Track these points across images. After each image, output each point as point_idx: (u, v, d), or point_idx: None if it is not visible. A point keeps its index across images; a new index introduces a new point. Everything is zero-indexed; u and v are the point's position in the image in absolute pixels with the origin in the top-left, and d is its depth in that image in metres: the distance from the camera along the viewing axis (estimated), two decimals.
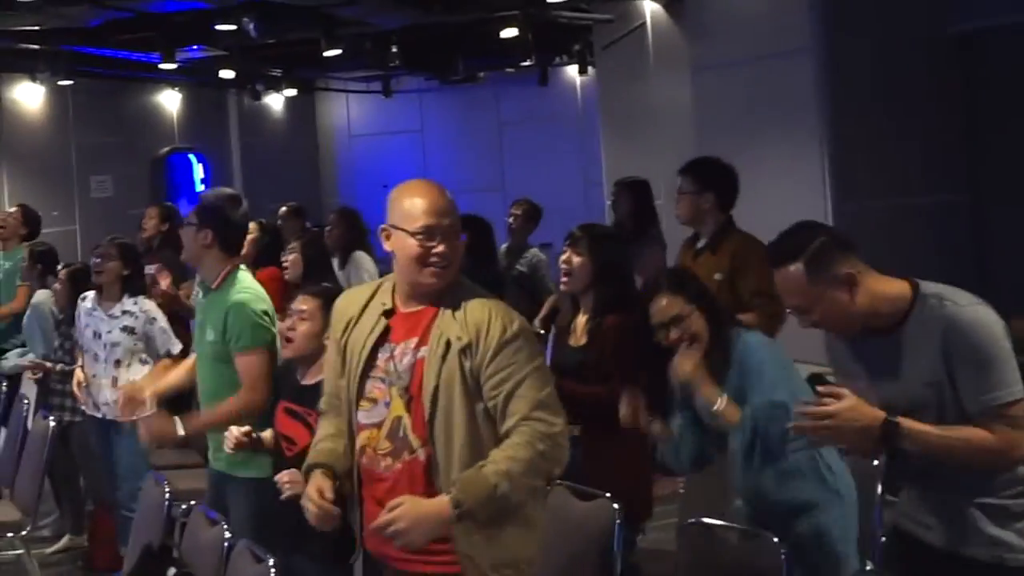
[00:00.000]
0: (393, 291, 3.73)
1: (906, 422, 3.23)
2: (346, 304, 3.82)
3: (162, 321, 6.83)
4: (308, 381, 4.72)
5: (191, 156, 16.57)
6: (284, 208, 10.28)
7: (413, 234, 3.57)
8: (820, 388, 3.33)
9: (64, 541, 7.58)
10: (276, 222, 9.69)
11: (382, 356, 3.63)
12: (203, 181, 16.42)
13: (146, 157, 15.62)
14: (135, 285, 6.91)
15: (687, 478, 5.31)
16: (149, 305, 6.87)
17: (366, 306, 3.74)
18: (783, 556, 3.85)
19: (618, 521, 4.27)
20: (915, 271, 3.49)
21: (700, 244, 6.03)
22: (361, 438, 3.64)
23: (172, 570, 4.34)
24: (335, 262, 8.49)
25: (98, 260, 6.86)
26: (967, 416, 3.25)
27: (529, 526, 3.65)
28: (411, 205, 3.60)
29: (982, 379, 3.23)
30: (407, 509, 3.38)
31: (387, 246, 3.67)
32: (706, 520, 4.23)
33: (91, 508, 7.49)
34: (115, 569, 5.27)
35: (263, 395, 5.05)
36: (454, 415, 3.53)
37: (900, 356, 3.34)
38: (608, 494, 4.38)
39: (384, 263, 9.12)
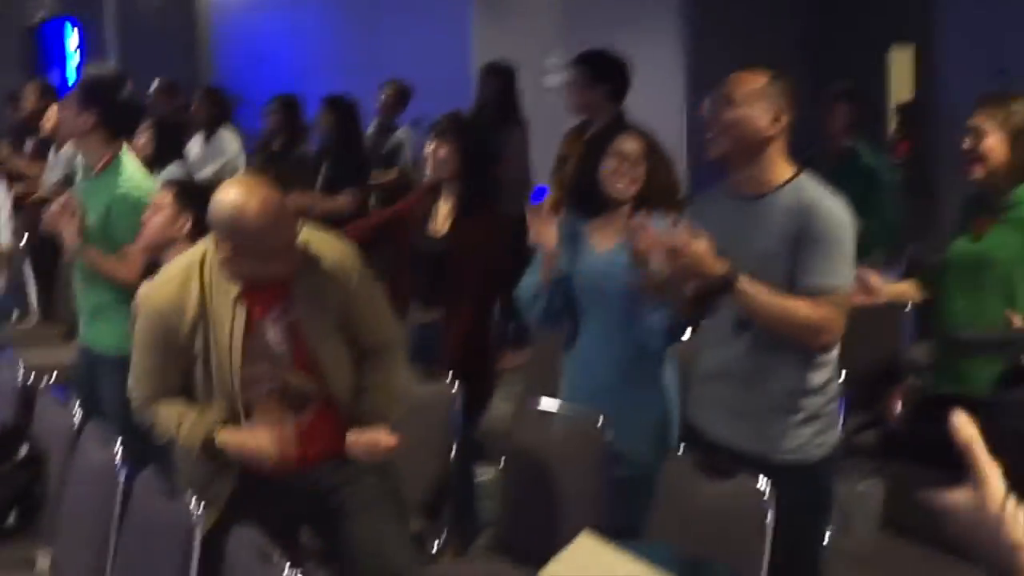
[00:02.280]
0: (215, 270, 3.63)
1: (745, 278, 3.47)
2: (167, 299, 3.63)
3: None
4: None
5: (66, 23, 16.15)
6: (156, 83, 10.22)
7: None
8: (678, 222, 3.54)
9: None
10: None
11: (252, 339, 3.61)
12: (78, 48, 15.99)
13: (18, 25, 15.26)
14: None
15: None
16: None
17: (203, 297, 3.61)
18: (605, 434, 4.01)
19: (458, 399, 4.44)
20: None
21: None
22: (256, 415, 3.65)
23: (25, 447, 4.44)
24: (200, 139, 8.60)
25: None
26: (793, 292, 3.49)
27: None
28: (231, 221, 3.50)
29: (823, 261, 3.48)
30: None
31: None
32: (541, 402, 4.35)
33: None
34: None
35: (138, 275, 4.91)
36: (340, 356, 3.73)
37: (755, 223, 3.58)
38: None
39: (250, 137, 9.19)
